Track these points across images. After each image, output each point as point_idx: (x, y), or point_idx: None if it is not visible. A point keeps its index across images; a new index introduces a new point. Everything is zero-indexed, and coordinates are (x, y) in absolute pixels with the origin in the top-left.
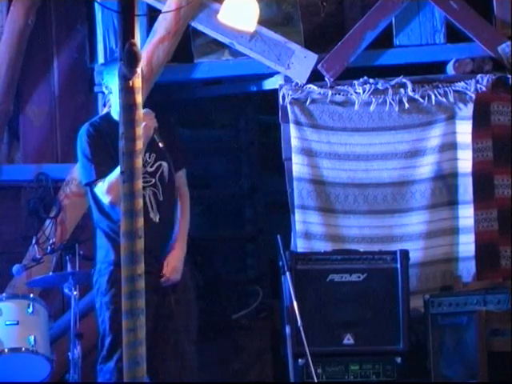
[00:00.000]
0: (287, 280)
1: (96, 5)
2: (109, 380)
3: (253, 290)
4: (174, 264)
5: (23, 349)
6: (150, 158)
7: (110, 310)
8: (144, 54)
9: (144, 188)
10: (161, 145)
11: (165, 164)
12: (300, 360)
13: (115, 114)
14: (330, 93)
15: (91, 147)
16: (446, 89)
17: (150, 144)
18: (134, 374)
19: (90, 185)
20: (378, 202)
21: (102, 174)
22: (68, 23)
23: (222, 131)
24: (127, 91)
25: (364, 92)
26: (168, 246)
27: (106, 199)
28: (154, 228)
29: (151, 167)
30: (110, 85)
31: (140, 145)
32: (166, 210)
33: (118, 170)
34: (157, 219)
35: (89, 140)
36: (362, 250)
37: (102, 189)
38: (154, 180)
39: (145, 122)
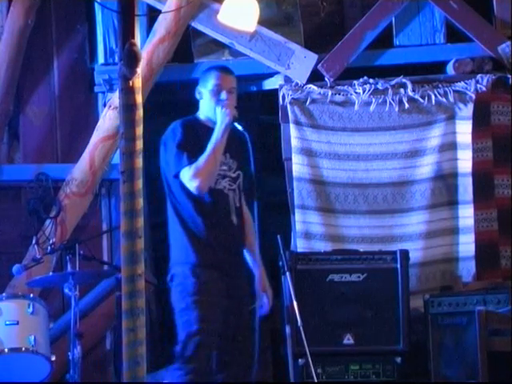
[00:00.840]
0: (287, 280)
1: (96, 5)
2: (190, 380)
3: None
4: (265, 281)
5: (23, 349)
6: (233, 164)
7: (198, 310)
8: (144, 54)
9: (229, 190)
10: (240, 128)
11: (242, 175)
12: (300, 360)
13: (202, 115)
14: (330, 93)
15: (185, 138)
16: (446, 89)
17: (233, 151)
18: (134, 373)
19: (180, 173)
20: (377, 202)
21: (185, 164)
22: (68, 23)
23: None
24: (127, 91)
25: (364, 92)
26: (244, 249)
27: (192, 185)
28: (234, 230)
29: (234, 173)
30: (202, 90)
31: (140, 145)
32: (240, 216)
33: (204, 156)
34: (236, 222)
35: (183, 131)
36: (361, 249)
37: (188, 174)
38: (234, 185)
39: (225, 108)
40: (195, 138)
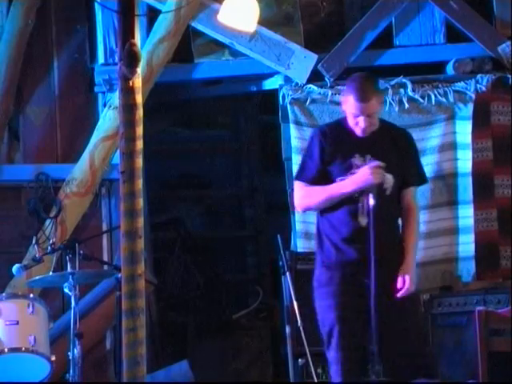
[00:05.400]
0: (287, 280)
1: (96, 5)
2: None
3: (253, 290)
4: (408, 279)
5: (23, 349)
6: None
7: (317, 307)
8: (144, 54)
9: (360, 193)
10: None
11: (389, 177)
12: (300, 360)
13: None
14: (329, 93)
15: (308, 150)
16: (446, 89)
17: (378, 154)
18: (134, 373)
19: (295, 181)
20: None
21: (302, 177)
22: (68, 23)
23: (222, 131)
24: (127, 91)
25: None
26: (374, 250)
27: (295, 201)
28: (360, 231)
29: None
30: (344, 101)
31: (140, 145)
32: (374, 219)
33: (322, 192)
34: (364, 223)
35: (309, 142)
36: None
37: (298, 192)
38: (369, 188)
39: (368, 175)
40: (332, 144)
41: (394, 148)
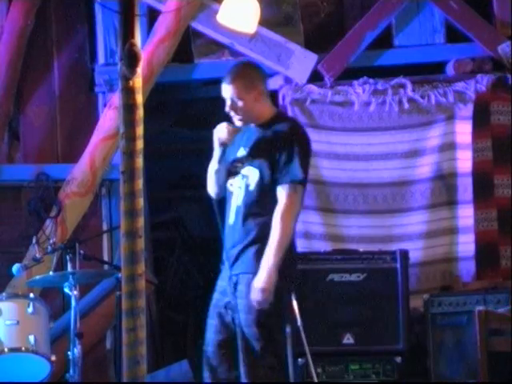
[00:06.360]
0: None
1: (96, 5)
2: None
3: None
4: (254, 286)
5: (23, 349)
6: (246, 159)
7: None
8: (144, 54)
9: (236, 188)
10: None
11: (254, 171)
12: (300, 360)
13: None
14: (329, 93)
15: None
16: (446, 89)
17: (254, 146)
18: (134, 373)
19: None
20: (377, 202)
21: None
22: (68, 23)
23: None
24: (127, 91)
25: (364, 92)
26: (236, 251)
27: None
28: (227, 230)
29: (245, 170)
30: None
31: (140, 145)
32: (240, 215)
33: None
34: (231, 222)
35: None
36: (361, 249)
37: None
38: (241, 183)
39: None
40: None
41: (275, 143)
